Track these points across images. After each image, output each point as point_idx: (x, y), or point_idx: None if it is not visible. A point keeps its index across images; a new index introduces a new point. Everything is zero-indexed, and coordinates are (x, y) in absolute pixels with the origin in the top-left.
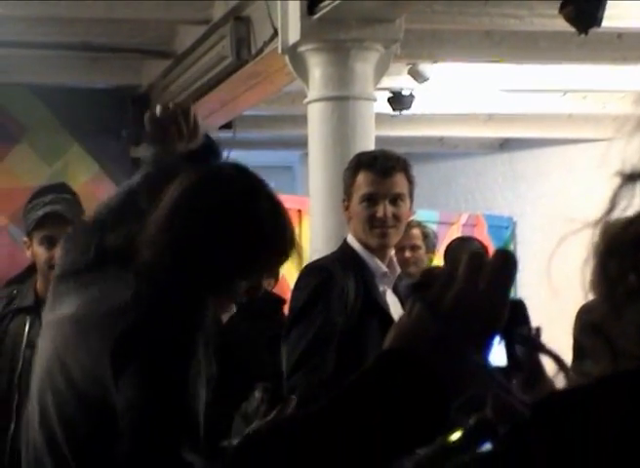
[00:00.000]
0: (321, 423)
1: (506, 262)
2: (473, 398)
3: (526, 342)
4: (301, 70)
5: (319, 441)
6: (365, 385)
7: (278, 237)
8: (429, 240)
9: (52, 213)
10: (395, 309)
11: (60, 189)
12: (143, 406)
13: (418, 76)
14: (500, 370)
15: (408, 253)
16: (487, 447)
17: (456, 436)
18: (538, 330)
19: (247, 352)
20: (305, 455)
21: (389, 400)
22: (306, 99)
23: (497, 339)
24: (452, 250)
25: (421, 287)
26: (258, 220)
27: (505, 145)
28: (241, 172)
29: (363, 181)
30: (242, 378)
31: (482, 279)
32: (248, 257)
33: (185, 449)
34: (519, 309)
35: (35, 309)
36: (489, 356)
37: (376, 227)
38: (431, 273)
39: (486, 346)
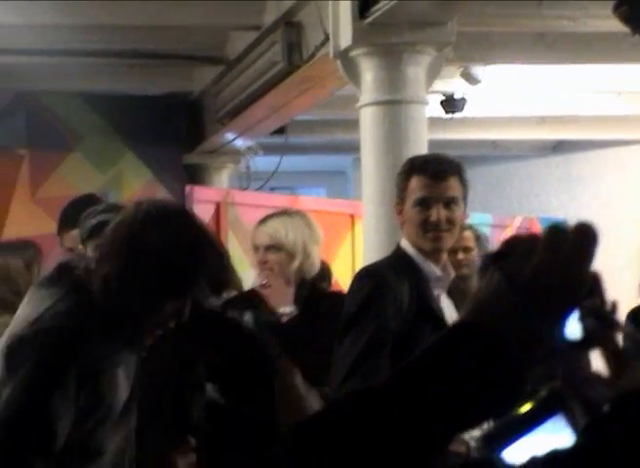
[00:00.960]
0: (388, 396)
1: (587, 236)
2: (545, 371)
3: (599, 317)
4: (353, 74)
5: (385, 413)
6: (435, 358)
7: (190, 267)
8: (481, 242)
9: (105, 221)
10: (449, 313)
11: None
12: (7, 406)
13: (470, 79)
14: (573, 344)
15: (461, 255)
16: (557, 419)
17: (526, 408)
18: (613, 305)
19: (305, 355)
20: (370, 428)
21: (459, 373)
22: (358, 104)
23: (573, 313)
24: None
25: (501, 257)
26: (177, 252)
27: (559, 147)
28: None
29: (416, 185)
30: (315, 382)
31: (562, 252)
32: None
33: (35, 454)
34: (595, 282)
35: None
36: (564, 330)
37: (429, 231)
38: (511, 243)
39: (562, 320)
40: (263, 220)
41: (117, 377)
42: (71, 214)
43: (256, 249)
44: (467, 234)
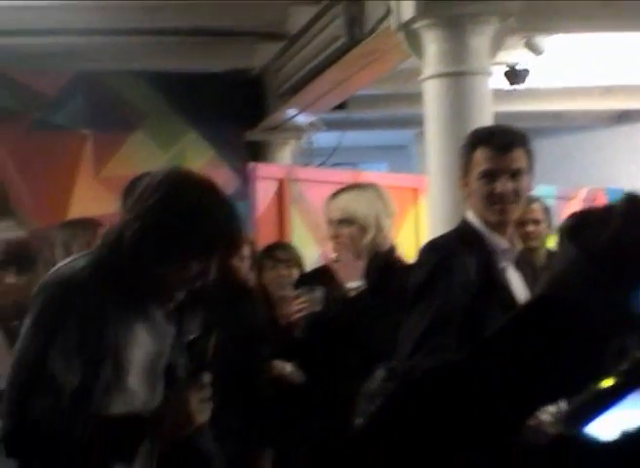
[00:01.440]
0: (466, 371)
1: None
2: (625, 343)
3: None
4: (416, 47)
5: (464, 388)
6: (514, 332)
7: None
8: (549, 215)
9: None
10: (517, 286)
11: None
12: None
13: (533, 49)
14: None
15: (530, 228)
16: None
17: (608, 382)
18: None
19: (372, 329)
20: (452, 402)
21: (538, 347)
22: (422, 76)
23: None
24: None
25: (576, 229)
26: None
27: (624, 117)
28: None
29: (481, 157)
30: (364, 357)
31: (638, 220)
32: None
33: (35, 401)
34: None
35: None
36: None
37: (495, 203)
38: (585, 215)
39: (638, 290)
40: (336, 194)
41: (134, 334)
42: (131, 192)
43: (329, 223)
44: (536, 206)
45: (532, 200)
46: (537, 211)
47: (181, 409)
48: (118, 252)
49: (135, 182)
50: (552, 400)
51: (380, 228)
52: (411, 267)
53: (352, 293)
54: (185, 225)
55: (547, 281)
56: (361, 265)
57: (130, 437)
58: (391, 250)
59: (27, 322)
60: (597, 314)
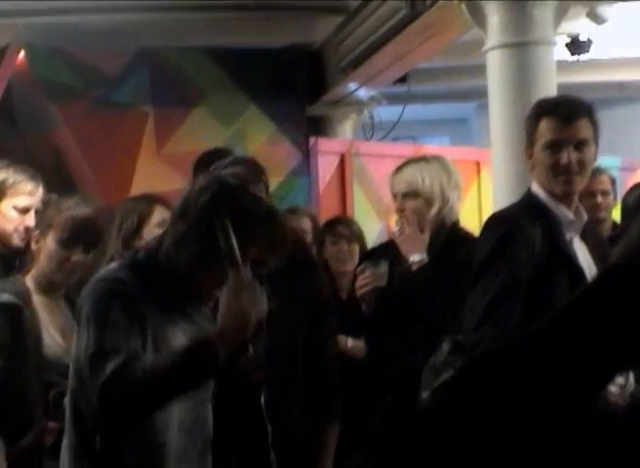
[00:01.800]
0: (544, 340)
1: None
2: None
3: None
4: (479, 18)
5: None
6: (589, 301)
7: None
8: (615, 186)
9: (233, 174)
10: (583, 257)
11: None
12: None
13: (596, 18)
14: None
15: (599, 199)
16: None
17: None
18: None
19: (434, 302)
20: (530, 372)
21: (613, 315)
22: (485, 47)
23: None
24: (630, 195)
25: None
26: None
27: None
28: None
29: (546, 128)
30: (426, 331)
31: None
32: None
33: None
34: None
35: None
36: None
37: (560, 175)
38: None
39: None
40: (400, 168)
41: (171, 335)
42: (201, 168)
43: (394, 197)
44: (605, 178)
45: (600, 171)
46: (605, 182)
47: (236, 310)
48: (156, 255)
49: (203, 158)
50: (624, 370)
51: (445, 201)
52: (475, 240)
53: (415, 267)
54: (223, 228)
55: (622, 250)
56: (425, 238)
57: (202, 360)
58: (456, 222)
59: (81, 325)
60: None
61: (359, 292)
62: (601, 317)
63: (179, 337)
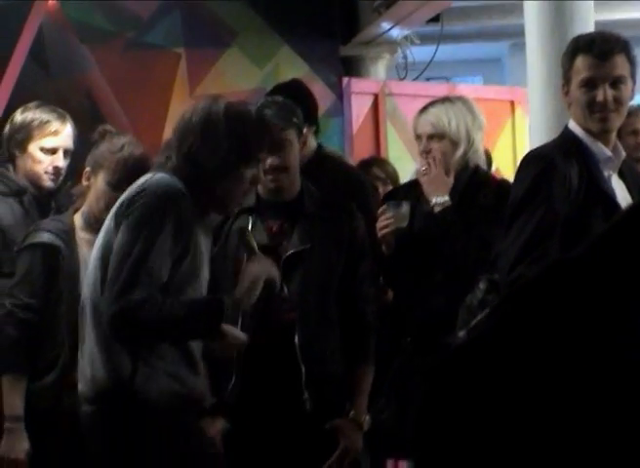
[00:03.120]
0: (584, 264)
1: None
2: None
3: None
4: None
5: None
6: (623, 230)
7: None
8: None
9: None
10: (621, 195)
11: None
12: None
13: None
14: None
15: None
16: None
17: None
18: None
19: (456, 245)
20: (570, 296)
21: None
22: None
23: None
24: None
25: None
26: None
27: None
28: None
29: (581, 65)
30: (447, 273)
31: None
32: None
33: (135, 292)
34: None
35: (257, 209)
36: None
37: (596, 112)
38: None
39: None
40: (425, 108)
41: (198, 238)
42: None
43: (418, 138)
44: None
45: None
46: None
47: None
48: (192, 168)
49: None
50: None
51: (470, 143)
52: (499, 182)
53: (438, 209)
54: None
55: None
56: (450, 181)
57: (213, 312)
58: (479, 166)
59: (128, 223)
60: None
61: (380, 233)
62: (632, 247)
63: (202, 239)
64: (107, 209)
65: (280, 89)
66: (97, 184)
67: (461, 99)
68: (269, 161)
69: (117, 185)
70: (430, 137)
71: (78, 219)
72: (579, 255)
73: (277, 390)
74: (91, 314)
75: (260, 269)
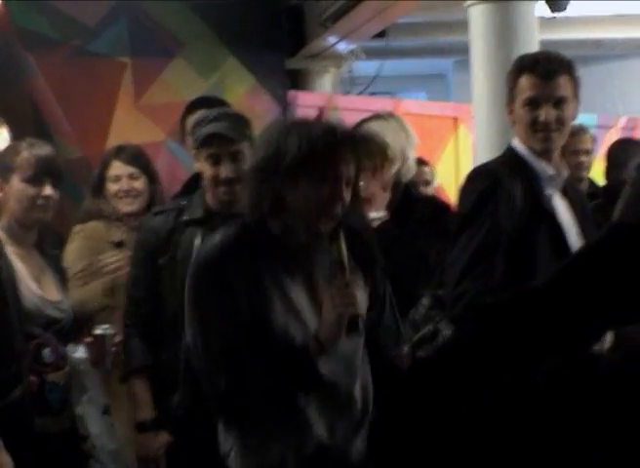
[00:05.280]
0: (550, 292)
1: None
2: None
3: None
4: None
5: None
6: (594, 257)
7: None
8: (594, 145)
9: (217, 133)
10: (564, 213)
11: (215, 100)
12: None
13: None
14: None
15: (583, 158)
16: None
17: None
18: None
19: (395, 259)
20: (534, 319)
21: (616, 271)
22: (467, 3)
23: None
24: (615, 151)
25: None
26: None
27: None
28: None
29: (525, 85)
30: (405, 287)
31: None
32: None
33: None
34: None
35: (206, 222)
36: None
37: (539, 131)
38: None
39: None
40: (359, 125)
41: (289, 289)
42: (189, 115)
43: None
44: (588, 137)
45: (584, 130)
46: (588, 141)
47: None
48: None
49: (193, 105)
50: (628, 320)
51: (405, 159)
52: (432, 198)
53: (376, 223)
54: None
55: (624, 209)
56: (386, 197)
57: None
58: (410, 182)
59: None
60: None
61: None
62: (603, 272)
63: (297, 292)
64: (31, 207)
65: (210, 102)
66: (12, 188)
67: (394, 117)
68: (223, 173)
69: (35, 180)
70: None
71: (0, 234)
72: (543, 285)
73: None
74: None
75: (344, 302)
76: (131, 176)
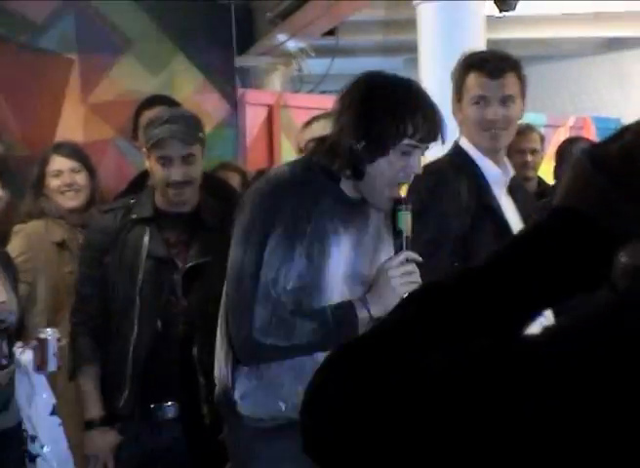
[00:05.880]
0: (486, 274)
1: None
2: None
3: None
4: None
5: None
6: (530, 240)
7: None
8: (543, 143)
9: (171, 137)
10: (509, 212)
11: (167, 100)
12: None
13: None
14: None
15: (529, 157)
16: None
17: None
18: None
19: None
20: (467, 301)
21: (552, 254)
22: (416, 1)
23: None
24: (564, 150)
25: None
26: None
27: (613, 45)
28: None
29: (473, 83)
30: None
31: None
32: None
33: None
34: None
35: (154, 220)
36: None
37: (486, 130)
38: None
39: None
40: (309, 123)
41: (329, 244)
42: (142, 113)
43: (300, 151)
44: (535, 136)
45: (531, 129)
46: (535, 140)
47: (385, 284)
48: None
49: (146, 103)
50: (559, 301)
51: None
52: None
53: None
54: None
55: (562, 191)
56: None
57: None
58: None
59: (237, 232)
60: (610, 222)
61: None
62: (540, 255)
63: (341, 247)
64: None
65: (163, 100)
66: None
67: None
68: (174, 176)
69: None
70: None
71: None
72: (478, 267)
73: (175, 404)
74: None
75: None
76: (72, 170)
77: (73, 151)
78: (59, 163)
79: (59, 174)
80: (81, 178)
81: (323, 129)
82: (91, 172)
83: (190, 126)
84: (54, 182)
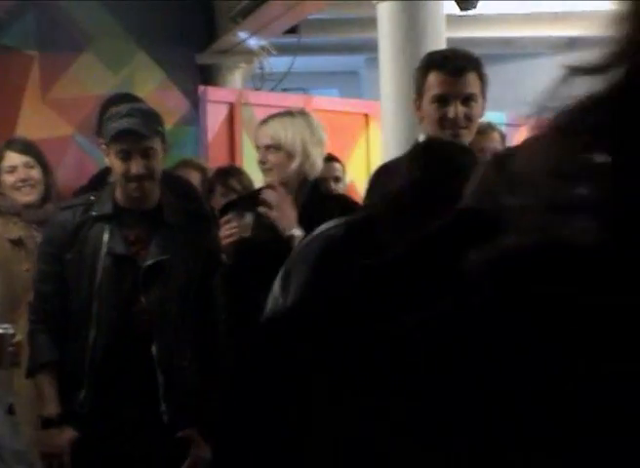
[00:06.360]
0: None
1: None
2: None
3: None
4: None
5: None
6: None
7: None
8: (505, 143)
9: (129, 129)
10: None
11: (133, 97)
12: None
13: None
14: None
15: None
16: None
17: None
18: None
19: None
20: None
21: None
22: (375, 1)
23: None
24: None
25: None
26: None
27: (574, 44)
28: None
29: (434, 81)
30: None
31: None
32: None
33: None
34: None
35: (114, 218)
36: None
37: (447, 128)
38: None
39: None
40: (265, 121)
41: None
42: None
43: (258, 149)
44: (495, 135)
45: (492, 128)
46: (496, 139)
47: None
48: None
49: (108, 102)
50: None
51: (306, 155)
52: (341, 196)
53: (297, 241)
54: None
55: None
56: (289, 198)
57: None
58: (319, 180)
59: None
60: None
61: (223, 242)
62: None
63: None
64: None
65: (129, 98)
66: None
67: (303, 114)
68: (134, 169)
69: None
70: (267, 148)
71: None
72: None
73: (134, 401)
74: None
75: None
76: (26, 165)
77: (26, 146)
78: (12, 158)
79: (13, 169)
80: (35, 173)
81: (278, 126)
82: (45, 167)
83: (149, 120)
84: (8, 179)
